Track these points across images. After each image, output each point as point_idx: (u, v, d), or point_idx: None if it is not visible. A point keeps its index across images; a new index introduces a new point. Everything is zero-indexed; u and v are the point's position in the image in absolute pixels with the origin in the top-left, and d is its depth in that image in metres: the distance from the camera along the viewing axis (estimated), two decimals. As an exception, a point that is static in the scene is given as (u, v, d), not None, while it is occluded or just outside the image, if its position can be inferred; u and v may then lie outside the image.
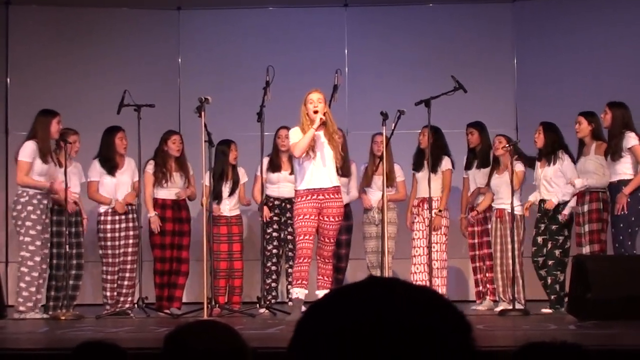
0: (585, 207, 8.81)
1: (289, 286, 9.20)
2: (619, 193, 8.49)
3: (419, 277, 9.39)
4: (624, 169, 8.52)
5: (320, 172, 8.00)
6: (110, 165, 9.36)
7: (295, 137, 8.02)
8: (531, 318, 8.40)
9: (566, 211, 8.89)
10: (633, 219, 8.44)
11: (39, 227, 8.79)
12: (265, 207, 9.45)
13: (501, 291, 9.26)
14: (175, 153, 9.47)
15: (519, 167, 9.24)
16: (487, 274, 9.48)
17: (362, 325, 1.42)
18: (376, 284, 1.50)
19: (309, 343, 1.45)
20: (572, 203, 8.87)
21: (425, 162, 9.28)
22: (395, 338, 1.40)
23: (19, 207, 8.79)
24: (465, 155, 9.76)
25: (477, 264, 9.56)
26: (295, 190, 8.23)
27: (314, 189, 8.01)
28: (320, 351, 1.42)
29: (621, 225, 8.46)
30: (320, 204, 8.03)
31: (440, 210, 9.53)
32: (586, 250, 8.74)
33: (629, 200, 8.43)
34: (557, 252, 8.94)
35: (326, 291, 8.04)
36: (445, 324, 1.44)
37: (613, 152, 8.56)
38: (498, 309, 9.05)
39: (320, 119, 7.87)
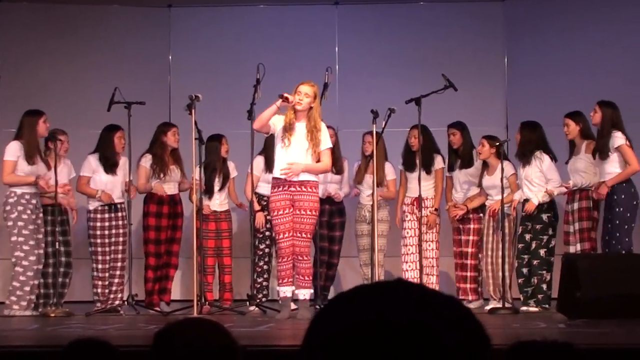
0: (575, 205, 8.84)
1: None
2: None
3: (410, 275, 9.39)
4: (612, 167, 8.54)
5: (289, 161, 7.96)
6: (111, 164, 9.33)
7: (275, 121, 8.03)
8: (521, 316, 8.43)
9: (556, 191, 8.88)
10: (628, 215, 8.47)
11: (31, 227, 8.77)
12: (259, 214, 9.39)
13: (491, 290, 9.26)
14: (175, 145, 9.45)
15: (509, 170, 9.20)
16: (470, 272, 9.46)
17: (365, 324, 1.42)
18: (386, 286, 1.50)
19: (321, 340, 1.46)
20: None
21: (418, 162, 9.26)
22: (397, 339, 1.40)
23: (8, 207, 8.77)
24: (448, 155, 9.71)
25: (462, 261, 9.54)
26: (272, 177, 8.23)
27: (281, 179, 8.00)
28: (330, 348, 1.43)
29: (617, 222, 8.47)
30: (292, 195, 7.99)
31: (436, 209, 9.53)
32: (576, 248, 8.77)
33: (622, 197, 8.46)
34: (541, 251, 8.94)
35: (306, 291, 8.08)
36: (455, 333, 1.43)
37: (601, 151, 8.59)
38: (488, 307, 9.06)
39: (287, 97, 7.83)
